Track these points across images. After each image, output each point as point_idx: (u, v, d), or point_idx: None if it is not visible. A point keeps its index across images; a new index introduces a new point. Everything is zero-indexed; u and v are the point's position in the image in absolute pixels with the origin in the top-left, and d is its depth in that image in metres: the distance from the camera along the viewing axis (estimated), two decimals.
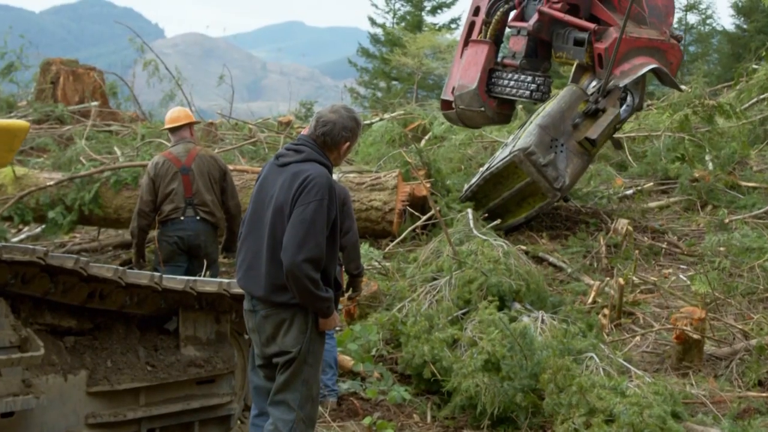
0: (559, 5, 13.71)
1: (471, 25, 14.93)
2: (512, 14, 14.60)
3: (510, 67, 14.34)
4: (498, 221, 13.00)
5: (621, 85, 13.45)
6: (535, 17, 13.95)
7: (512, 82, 14.25)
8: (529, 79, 14.05)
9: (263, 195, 6.20)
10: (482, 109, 14.53)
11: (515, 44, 14.37)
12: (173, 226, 10.24)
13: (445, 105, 15.17)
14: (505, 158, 13.33)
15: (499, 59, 14.57)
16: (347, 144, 6.31)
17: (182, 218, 10.23)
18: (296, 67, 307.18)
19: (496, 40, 14.70)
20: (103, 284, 6.42)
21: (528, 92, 14.11)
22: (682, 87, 18.45)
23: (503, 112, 14.81)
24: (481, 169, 14.64)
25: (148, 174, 10.43)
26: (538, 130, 13.14)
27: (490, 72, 14.51)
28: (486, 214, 12.99)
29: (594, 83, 13.65)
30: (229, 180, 10.63)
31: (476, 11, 14.89)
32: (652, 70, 13.64)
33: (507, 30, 14.87)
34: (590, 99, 13.28)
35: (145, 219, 10.41)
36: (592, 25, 13.45)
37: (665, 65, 13.72)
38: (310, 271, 5.85)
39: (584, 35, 13.50)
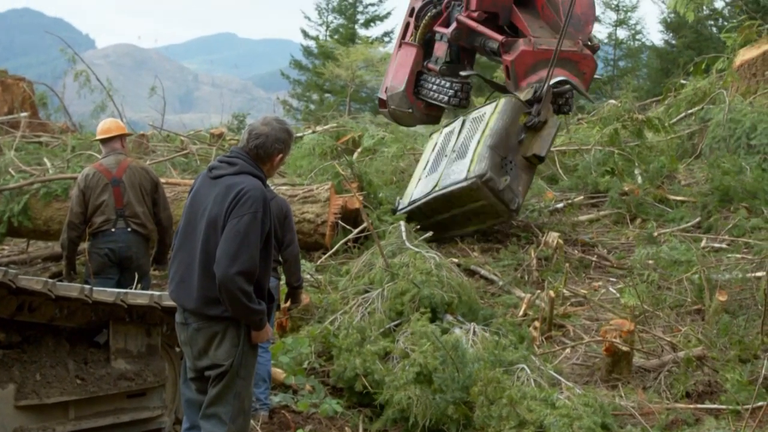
0: (476, 14, 13.69)
1: (406, 26, 15.01)
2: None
3: (432, 72, 14.39)
4: (430, 233, 13.03)
5: (527, 97, 13.52)
6: (454, 25, 13.99)
7: (434, 86, 14.32)
8: (448, 84, 14.09)
9: (196, 207, 6.17)
10: (410, 110, 14.61)
11: (438, 49, 14.40)
12: (104, 238, 10.14)
13: (381, 103, 15.31)
14: (459, 183, 13.29)
15: (425, 63, 14.62)
16: (280, 156, 6.32)
17: (113, 230, 10.12)
18: (228, 79, 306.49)
19: (426, 44, 14.72)
20: (33, 297, 6.36)
21: (446, 97, 14.15)
22: (612, 101, 18.66)
23: (431, 113, 14.88)
24: (416, 178, 14.61)
25: (78, 185, 10.33)
26: (490, 153, 13.14)
27: (419, 74, 14.58)
28: (419, 227, 12.95)
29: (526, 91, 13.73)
30: (161, 192, 10.56)
31: (412, 12, 14.95)
32: (560, 82, 13.62)
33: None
34: (532, 111, 13.32)
35: (75, 231, 10.29)
36: (500, 37, 13.42)
37: (578, 75, 13.66)
38: (243, 283, 5.83)
39: (495, 45, 13.53)
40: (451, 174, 13.56)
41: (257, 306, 5.96)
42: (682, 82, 22.71)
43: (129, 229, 10.15)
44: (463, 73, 14.08)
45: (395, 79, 14.85)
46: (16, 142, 17.85)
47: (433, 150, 14.76)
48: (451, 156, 13.90)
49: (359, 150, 19.42)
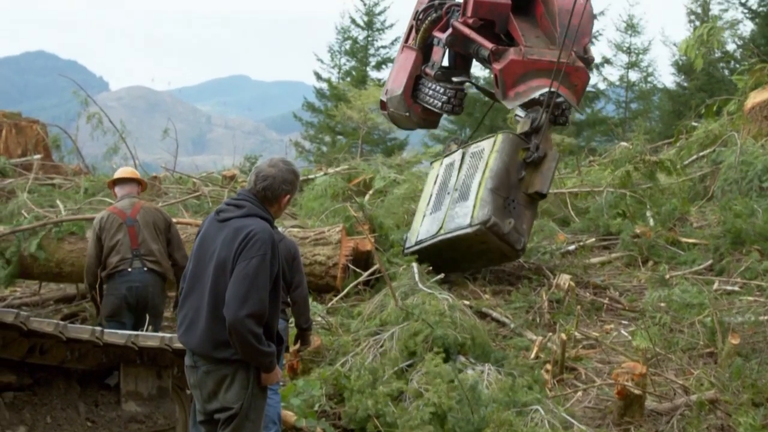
0: (471, 21, 13.61)
1: (410, 29, 14.97)
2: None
3: (429, 77, 14.35)
4: (442, 275, 13.01)
5: (513, 106, 13.46)
6: (450, 30, 13.94)
7: (430, 91, 14.26)
8: (442, 90, 14.03)
9: (204, 251, 6.19)
10: (407, 114, 14.58)
11: (435, 54, 14.33)
12: (121, 278, 10.17)
13: (382, 105, 15.33)
14: (463, 228, 13.23)
15: (423, 67, 14.56)
16: (287, 197, 6.36)
17: (130, 269, 10.17)
18: (241, 121, 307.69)
19: (426, 48, 14.65)
20: (44, 339, 6.37)
21: (440, 103, 14.10)
22: (624, 143, 18.63)
23: (428, 118, 14.80)
24: (420, 214, 14.54)
25: (94, 229, 10.47)
26: (492, 196, 13.05)
27: (417, 78, 14.52)
28: (431, 267, 12.92)
29: (522, 114, 13.65)
30: (174, 231, 10.69)
31: (415, 15, 14.91)
32: (549, 93, 13.39)
33: None
34: (531, 147, 13.24)
35: (93, 276, 10.42)
36: (490, 45, 13.32)
37: (569, 87, 13.48)
38: (253, 326, 5.84)
39: (486, 53, 13.45)
40: (455, 217, 13.49)
41: (267, 348, 5.96)
42: (694, 124, 22.72)
43: (145, 269, 10.21)
44: (455, 79, 14.01)
45: (395, 82, 14.83)
46: (29, 185, 17.95)
47: (434, 183, 14.66)
48: (454, 195, 13.80)
49: (371, 192, 19.44)
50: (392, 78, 15.11)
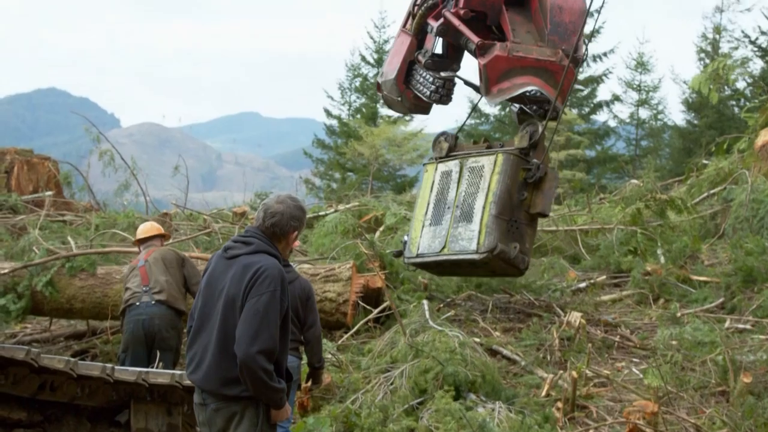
0: (462, 12, 13.51)
1: (409, 14, 14.86)
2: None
3: (419, 64, 14.24)
4: (452, 312, 12.99)
5: (495, 103, 13.41)
6: (441, 20, 13.85)
7: (421, 78, 14.14)
8: (431, 79, 13.92)
9: (212, 288, 6.19)
10: (399, 99, 14.48)
11: (428, 41, 14.18)
12: (130, 312, 10.54)
13: (378, 87, 15.25)
14: (469, 254, 13.17)
15: (416, 54, 14.44)
16: (295, 233, 6.39)
17: (138, 303, 10.51)
18: (251, 158, 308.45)
19: (421, 34, 14.52)
20: (55, 375, 6.37)
21: (428, 92, 13.99)
22: (634, 180, 18.60)
23: (420, 104, 14.61)
24: (418, 221, 14.49)
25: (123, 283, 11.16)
26: (497, 222, 12.99)
27: (411, 64, 14.40)
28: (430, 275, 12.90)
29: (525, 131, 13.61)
30: (189, 266, 11.03)
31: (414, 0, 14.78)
32: (532, 92, 13.27)
33: None
34: (531, 167, 13.16)
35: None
36: (476, 39, 13.21)
37: (553, 86, 13.34)
38: (264, 362, 5.83)
39: (473, 47, 13.36)
40: (459, 239, 13.39)
41: (278, 384, 5.95)
42: (704, 162, 22.74)
43: (153, 302, 10.50)
44: (443, 74, 13.91)
45: (389, 65, 14.73)
46: (40, 221, 18.00)
47: (431, 190, 14.56)
48: (455, 212, 13.69)
49: (381, 228, 19.45)
50: (387, 61, 15.00)
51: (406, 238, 14.38)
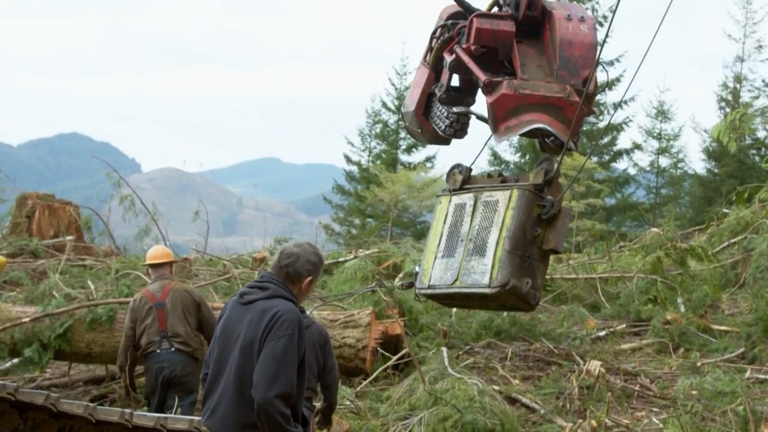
0: (473, 48, 13.41)
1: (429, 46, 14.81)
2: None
3: (436, 97, 14.17)
4: (472, 359, 12.94)
5: (503, 140, 13.35)
6: (453, 56, 13.78)
7: (437, 112, 14.08)
8: (445, 113, 13.86)
9: (228, 334, 6.18)
10: (420, 130, 14.41)
11: (443, 75, 14.10)
12: (152, 359, 10.67)
13: (402, 118, 15.24)
14: (481, 288, 13.11)
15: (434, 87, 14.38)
16: (309, 278, 6.36)
17: (158, 351, 10.64)
18: (271, 203, 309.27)
19: (439, 67, 14.43)
20: (74, 421, 6.38)
21: (443, 126, 13.90)
22: (654, 229, 18.54)
23: (439, 136, 14.52)
24: (430, 252, 14.43)
25: (129, 311, 11.07)
26: (510, 258, 12.90)
27: (430, 96, 14.32)
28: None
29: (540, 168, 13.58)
30: (205, 311, 11.01)
31: (433, 32, 14.73)
32: (539, 129, 13.16)
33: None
34: (546, 204, 13.07)
35: (124, 356, 10.97)
36: (483, 78, 13.15)
37: (563, 122, 13.17)
38: (281, 407, 5.82)
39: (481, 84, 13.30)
40: (471, 272, 13.31)
41: (295, 429, 5.93)
42: (725, 210, 22.70)
43: (173, 349, 10.62)
44: (455, 110, 13.84)
45: (410, 97, 14.65)
46: (61, 266, 18.07)
47: (444, 222, 14.51)
48: (468, 246, 13.64)
49: (401, 275, 19.44)
50: (409, 93, 14.99)
51: (417, 268, 14.33)
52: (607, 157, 47.87)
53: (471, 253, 13.39)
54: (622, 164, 48.49)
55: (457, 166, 14.69)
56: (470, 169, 14.05)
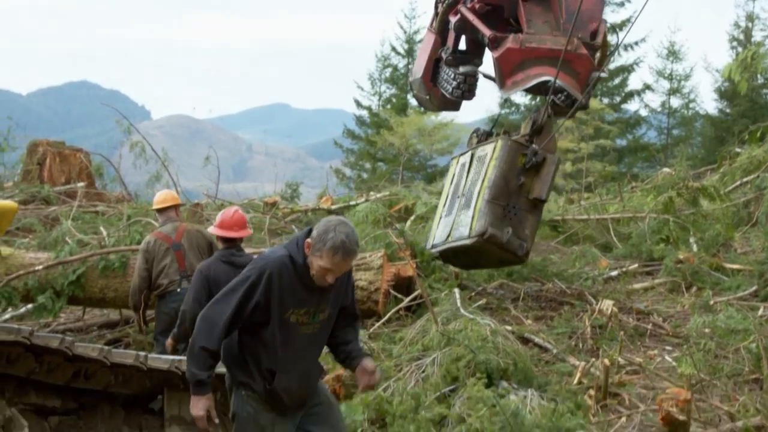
0: (478, 6, 13.33)
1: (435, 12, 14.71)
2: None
3: (442, 61, 14.08)
4: (484, 300, 12.96)
5: (509, 95, 13.27)
6: (458, 15, 13.70)
7: (444, 76, 14.03)
8: (452, 75, 13.78)
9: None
10: (428, 97, 14.37)
11: (449, 38, 14.03)
12: (170, 298, 10.92)
13: (410, 86, 15.19)
14: (463, 239, 13.15)
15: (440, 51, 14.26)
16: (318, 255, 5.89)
17: (178, 290, 10.90)
18: (282, 149, 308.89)
19: (444, 31, 14.34)
20: (89, 364, 6.41)
21: (450, 88, 13.85)
22: (666, 169, 18.46)
23: (448, 101, 14.42)
24: (438, 215, 14.49)
25: (142, 253, 11.28)
26: (489, 207, 12.85)
27: (437, 62, 14.25)
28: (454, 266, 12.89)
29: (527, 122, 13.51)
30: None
31: None
32: (547, 82, 13.04)
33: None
34: (528, 153, 13.00)
35: (138, 297, 11.28)
36: (488, 32, 13.06)
37: (571, 75, 13.07)
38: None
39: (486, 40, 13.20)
40: (460, 225, 13.36)
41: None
42: (737, 150, 22.59)
43: None
44: (462, 69, 13.77)
45: (417, 64, 14.62)
46: (73, 212, 18.11)
47: (450, 183, 14.56)
48: (461, 201, 13.70)
49: (412, 218, 19.43)
50: (416, 60, 14.95)
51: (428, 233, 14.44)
52: (617, 99, 47.68)
53: (462, 208, 13.40)
54: (633, 105, 48.35)
55: (476, 130, 14.68)
56: (489, 133, 14.02)
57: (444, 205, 14.20)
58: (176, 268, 11.04)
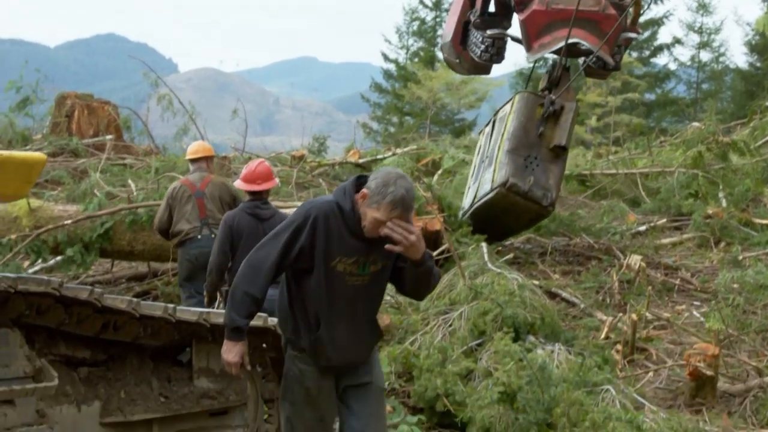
0: None
1: None
2: None
3: (471, 24, 13.98)
4: (512, 255, 12.95)
5: (536, 58, 13.20)
6: None
7: (473, 39, 13.95)
8: (480, 38, 13.70)
9: None
10: (458, 60, 14.30)
11: (477, 0, 13.91)
12: (191, 245, 11.14)
13: (441, 49, 15.14)
14: (487, 194, 13.15)
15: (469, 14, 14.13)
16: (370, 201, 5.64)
17: (199, 237, 11.14)
18: (309, 102, 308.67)
19: None
20: (117, 315, 6.43)
21: (479, 51, 13.78)
22: (695, 123, 18.33)
23: (478, 65, 14.30)
24: (468, 183, 14.50)
25: (166, 197, 11.56)
26: (509, 157, 12.84)
27: (466, 25, 14.15)
28: (486, 236, 12.87)
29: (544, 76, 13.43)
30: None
31: None
32: (574, 44, 12.91)
33: None
34: (545, 102, 12.93)
35: (159, 231, 11.68)
36: None
37: (598, 36, 12.91)
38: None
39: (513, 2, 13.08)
40: (484, 184, 13.40)
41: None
42: (767, 104, 22.40)
43: (212, 235, 10.84)
44: (489, 32, 13.68)
45: (446, 27, 14.54)
46: (101, 164, 18.18)
47: (477, 154, 14.55)
48: (485, 162, 13.70)
49: (439, 172, 19.41)
50: (446, 23, 14.85)
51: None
52: (647, 53, 47.35)
53: (485, 168, 13.37)
54: (662, 59, 47.99)
55: (510, 101, 14.58)
56: (511, 99, 13.94)
57: (472, 174, 14.23)
58: (197, 214, 11.23)
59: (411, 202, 5.66)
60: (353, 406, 6.05)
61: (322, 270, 5.74)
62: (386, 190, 5.53)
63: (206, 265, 10.59)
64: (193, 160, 11.90)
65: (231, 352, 5.78)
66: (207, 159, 11.94)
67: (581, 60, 13.93)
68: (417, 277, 5.89)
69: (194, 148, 12.14)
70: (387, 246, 5.59)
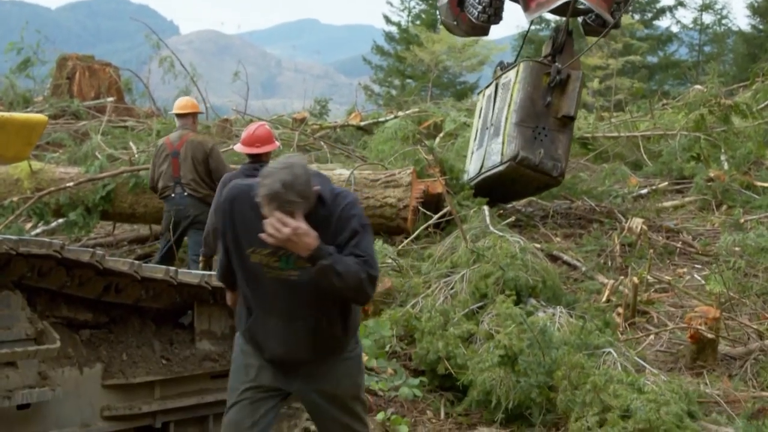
0: None
1: None
2: None
3: None
4: (513, 218, 12.95)
5: (534, 18, 13.14)
6: None
7: (471, 0, 13.92)
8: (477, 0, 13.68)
9: None
10: (455, 23, 14.28)
11: None
12: (168, 202, 11.92)
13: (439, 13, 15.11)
14: (497, 167, 13.13)
15: None
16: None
17: (173, 195, 11.78)
18: (311, 65, 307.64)
19: None
20: (119, 278, 6.44)
21: (476, 12, 13.75)
22: (697, 86, 18.28)
23: (475, 26, 14.25)
24: (470, 148, 14.46)
25: (153, 155, 12.36)
26: (518, 130, 12.84)
27: None
28: (489, 199, 12.89)
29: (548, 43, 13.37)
30: (213, 161, 11.84)
31: None
32: (572, 2, 12.84)
33: None
34: (552, 71, 12.89)
35: (152, 190, 12.44)
36: None
37: None
38: None
39: None
40: (491, 154, 13.37)
41: None
42: None
43: (185, 193, 11.72)
44: None
45: None
46: (102, 127, 18.15)
47: (479, 117, 14.49)
48: (490, 130, 13.65)
49: (441, 135, 19.38)
50: None
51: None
52: (649, 15, 47.15)
53: (492, 137, 13.34)
54: (664, 22, 47.80)
55: (500, 63, 14.53)
56: (514, 65, 13.85)
57: (474, 139, 14.18)
58: (171, 174, 11.83)
59: (291, 197, 4.88)
60: (316, 424, 5.70)
61: (237, 259, 5.31)
62: (263, 181, 4.92)
63: (179, 220, 11.72)
64: (179, 116, 12.21)
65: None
66: (193, 115, 12.33)
67: (580, 19, 13.88)
68: (316, 276, 5.05)
69: (182, 103, 12.42)
70: (260, 234, 4.95)
